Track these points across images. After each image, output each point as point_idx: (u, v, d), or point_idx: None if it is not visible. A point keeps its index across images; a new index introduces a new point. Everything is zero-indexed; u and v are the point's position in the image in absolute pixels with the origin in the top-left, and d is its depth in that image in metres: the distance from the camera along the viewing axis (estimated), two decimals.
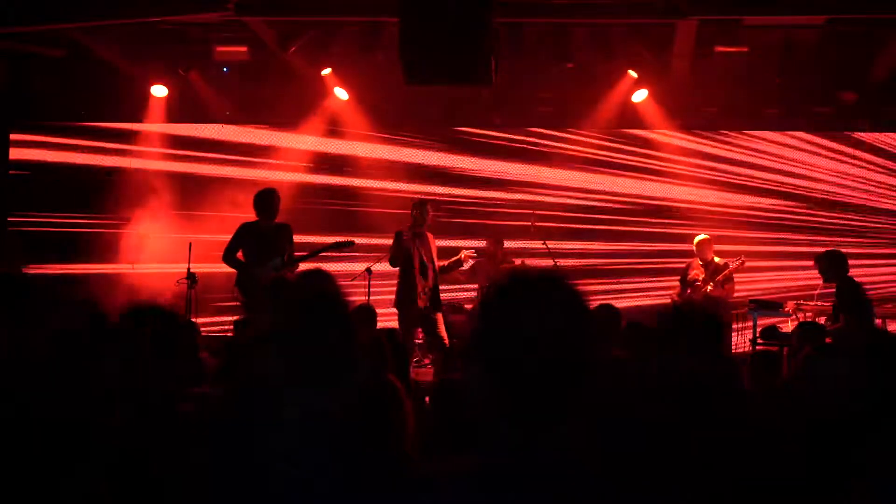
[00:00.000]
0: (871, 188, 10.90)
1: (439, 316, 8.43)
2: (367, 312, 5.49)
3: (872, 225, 10.85)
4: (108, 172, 11.09)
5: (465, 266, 9.51)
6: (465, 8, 7.27)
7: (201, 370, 3.85)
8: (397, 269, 8.45)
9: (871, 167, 10.89)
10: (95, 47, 9.87)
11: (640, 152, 11.15)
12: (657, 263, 10.77)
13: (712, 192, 11.03)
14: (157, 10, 8.53)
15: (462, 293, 10.25)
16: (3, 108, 10.99)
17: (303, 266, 7.74)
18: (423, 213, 8.44)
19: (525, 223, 10.28)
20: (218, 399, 2.86)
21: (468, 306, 9.94)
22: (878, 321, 8.33)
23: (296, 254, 7.89)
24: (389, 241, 8.55)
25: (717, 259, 9.32)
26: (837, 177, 10.96)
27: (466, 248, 9.40)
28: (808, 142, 10.99)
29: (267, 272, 7.44)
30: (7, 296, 2.64)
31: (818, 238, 10.54)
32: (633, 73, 9.98)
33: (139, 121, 11.04)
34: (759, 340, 8.52)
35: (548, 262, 9.52)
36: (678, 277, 9.59)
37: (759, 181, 11.00)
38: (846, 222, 10.88)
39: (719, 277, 9.16)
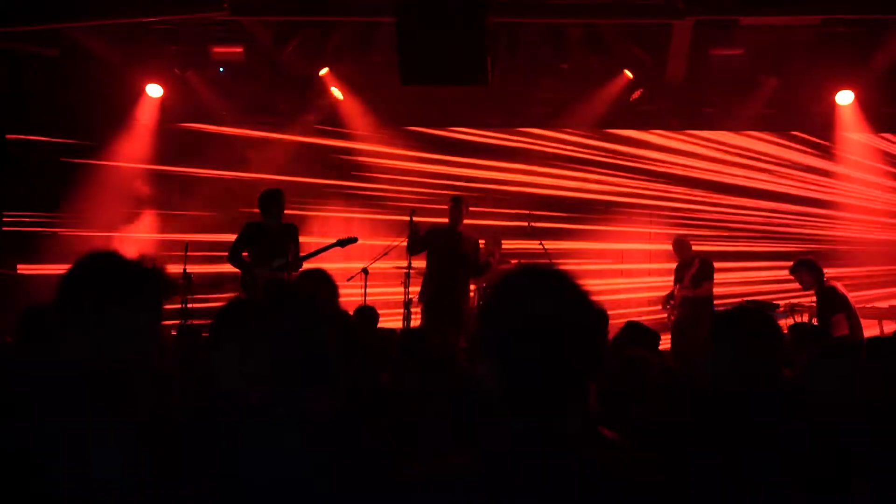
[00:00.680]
0: (865, 189, 10.93)
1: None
2: (368, 313, 5.50)
3: (871, 227, 10.86)
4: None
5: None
6: (462, 9, 7.28)
7: None
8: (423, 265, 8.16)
9: (867, 169, 10.91)
10: (91, 46, 9.83)
11: (637, 153, 11.18)
12: (656, 263, 10.78)
13: (709, 192, 11.04)
14: (153, 9, 8.52)
15: None
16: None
17: (306, 266, 7.65)
18: (459, 211, 8.03)
19: (522, 223, 10.27)
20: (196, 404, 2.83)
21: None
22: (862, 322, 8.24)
23: (301, 254, 7.74)
24: (386, 243, 8.47)
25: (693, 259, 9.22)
26: (832, 178, 10.98)
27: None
28: (805, 142, 11.02)
29: (268, 272, 7.37)
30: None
31: (814, 240, 10.57)
32: (628, 74, 9.98)
33: (134, 120, 11.00)
34: None
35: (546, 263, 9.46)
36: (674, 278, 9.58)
37: (756, 181, 11.02)
38: (841, 224, 10.89)
39: (686, 278, 9.10)
